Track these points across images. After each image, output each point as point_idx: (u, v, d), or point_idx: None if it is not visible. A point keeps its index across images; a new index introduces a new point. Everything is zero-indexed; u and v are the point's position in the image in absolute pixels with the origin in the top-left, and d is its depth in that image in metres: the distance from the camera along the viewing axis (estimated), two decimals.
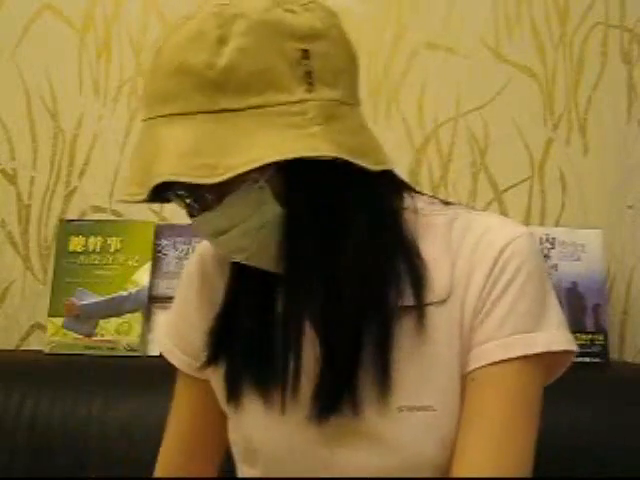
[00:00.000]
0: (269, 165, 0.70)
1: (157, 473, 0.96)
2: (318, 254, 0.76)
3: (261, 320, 0.82)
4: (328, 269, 0.76)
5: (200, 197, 0.75)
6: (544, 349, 0.79)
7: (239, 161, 0.69)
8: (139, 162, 0.73)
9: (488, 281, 0.79)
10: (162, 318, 0.96)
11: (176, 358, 0.94)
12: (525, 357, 0.78)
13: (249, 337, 0.83)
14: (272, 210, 0.74)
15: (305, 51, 0.72)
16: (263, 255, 0.77)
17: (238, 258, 0.78)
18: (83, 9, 1.61)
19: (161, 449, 0.97)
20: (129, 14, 1.61)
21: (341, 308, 0.76)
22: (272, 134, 0.70)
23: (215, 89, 0.70)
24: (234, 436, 0.89)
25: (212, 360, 0.85)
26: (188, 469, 0.96)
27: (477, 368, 0.78)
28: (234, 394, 0.85)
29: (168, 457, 0.97)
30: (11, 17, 1.61)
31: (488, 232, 0.81)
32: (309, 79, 0.72)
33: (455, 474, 0.77)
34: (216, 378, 0.89)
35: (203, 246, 0.94)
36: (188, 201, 0.76)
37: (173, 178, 0.69)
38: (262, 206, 0.74)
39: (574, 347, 0.82)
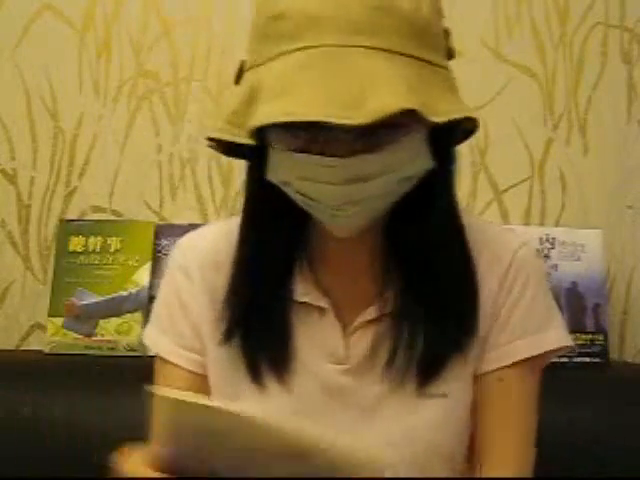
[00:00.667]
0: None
1: None
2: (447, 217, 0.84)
3: (276, 300, 0.84)
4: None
5: (359, 138, 0.72)
6: (559, 345, 0.87)
7: (448, 108, 0.72)
8: (343, 87, 0.69)
9: (503, 286, 0.86)
10: (150, 322, 0.93)
11: (178, 356, 0.91)
12: (540, 354, 0.85)
13: (263, 317, 0.84)
14: (423, 164, 0.77)
15: (446, 30, 0.78)
16: (374, 211, 0.78)
17: (351, 210, 0.76)
18: (83, 9, 1.61)
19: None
20: (129, 14, 1.61)
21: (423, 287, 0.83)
22: (454, 94, 0.76)
23: (417, 37, 0.73)
24: None
25: (228, 336, 0.85)
26: None
27: (503, 367, 0.85)
28: (255, 376, 0.85)
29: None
30: (11, 17, 1.61)
31: (494, 241, 0.88)
32: (449, 55, 0.79)
33: (490, 471, 0.81)
34: (220, 365, 0.88)
35: (191, 240, 0.93)
36: (341, 138, 0.72)
37: (402, 107, 0.68)
38: (416, 158, 0.76)
39: (569, 342, 0.89)
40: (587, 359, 1.41)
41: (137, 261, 1.50)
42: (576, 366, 1.37)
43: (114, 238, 1.52)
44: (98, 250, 1.51)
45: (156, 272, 1.50)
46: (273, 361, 0.84)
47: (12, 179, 1.60)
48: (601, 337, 1.44)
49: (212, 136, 0.78)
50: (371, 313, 0.85)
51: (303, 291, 0.85)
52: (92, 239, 1.52)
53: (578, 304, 1.45)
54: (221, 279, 0.87)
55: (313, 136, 0.73)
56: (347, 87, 0.69)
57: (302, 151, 0.74)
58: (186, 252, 0.92)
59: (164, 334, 0.91)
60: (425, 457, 0.82)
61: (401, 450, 0.81)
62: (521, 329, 0.85)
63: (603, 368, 1.42)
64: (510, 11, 1.60)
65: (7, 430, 1.29)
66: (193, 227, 1.51)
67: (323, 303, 0.85)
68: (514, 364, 0.85)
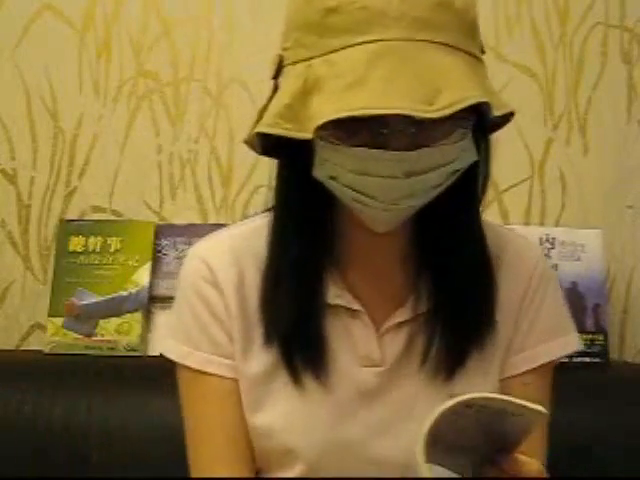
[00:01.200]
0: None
1: None
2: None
3: (310, 302, 0.84)
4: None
5: (419, 132, 0.74)
6: (576, 348, 0.92)
7: (499, 102, 0.75)
8: (416, 80, 0.70)
9: (527, 295, 0.89)
10: (172, 337, 0.91)
11: (217, 366, 0.89)
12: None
13: (299, 320, 0.84)
14: (469, 157, 0.78)
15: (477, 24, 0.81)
16: (420, 206, 0.79)
17: (407, 203, 0.77)
18: (83, 9, 1.61)
19: (205, 465, 0.89)
20: (129, 14, 1.61)
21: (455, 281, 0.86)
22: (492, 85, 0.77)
23: (469, 33, 0.76)
24: (269, 439, 0.87)
25: (267, 339, 0.85)
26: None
27: (527, 371, 0.89)
28: (294, 377, 0.85)
29: (227, 466, 0.88)
30: (11, 17, 1.61)
31: (513, 247, 0.91)
32: (482, 51, 0.80)
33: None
34: (256, 369, 0.87)
35: (210, 250, 0.91)
36: (399, 129, 0.73)
37: (478, 100, 0.71)
38: (464, 152, 0.77)
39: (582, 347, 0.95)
40: (587, 359, 1.41)
41: (137, 261, 1.49)
42: (576, 366, 1.37)
43: (114, 238, 1.51)
44: (98, 250, 1.51)
45: (156, 272, 1.50)
46: (311, 363, 0.84)
47: (12, 179, 1.60)
48: (601, 337, 1.44)
49: (264, 131, 0.74)
50: (405, 314, 0.86)
51: (335, 293, 0.86)
52: (92, 239, 1.52)
53: (578, 304, 1.44)
54: (247, 284, 0.87)
55: (374, 130, 0.73)
56: (419, 81, 0.69)
57: (361, 145, 0.74)
58: (209, 262, 0.89)
59: (196, 347, 0.89)
60: None
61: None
62: (544, 334, 0.89)
63: (603, 368, 1.42)
64: (510, 11, 1.60)
65: (7, 430, 1.29)
66: (193, 227, 1.53)
67: (356, 305, 0.86)
68: (537, 368, 0.88)
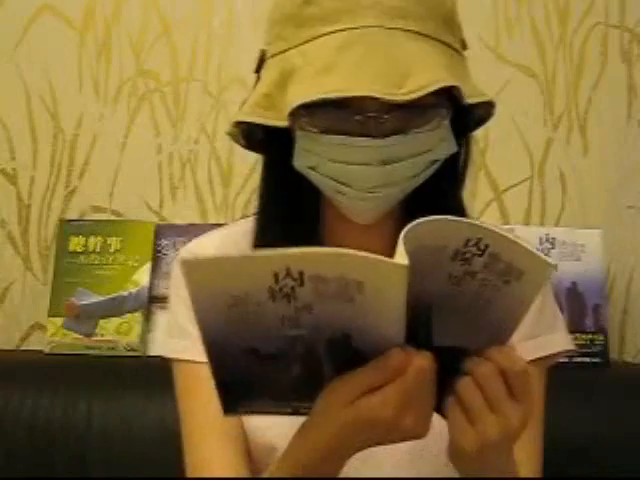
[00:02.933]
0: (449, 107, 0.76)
1: None
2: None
3: None
4: None
5: (393, 120, 0.74)
6: (565, 348, 0.90)
7: (474, 92, 0.76)
8: (386, 65, 0.71)
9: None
10: (168, 335, 0.91)
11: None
12: (547, 356, 0.89)
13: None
14: (448, 148, 0.79)
15: (459, 24, 0.81)
16: (400, 194, 0.79)
17: (383, 192, 0.77)
18: (83, 9, 1.61)
19: (204, 459, 0.87)
20: (129, 14, 1.61)
21: None
22: (472, 81, 0.78)
23: (445, 24, 0.77)
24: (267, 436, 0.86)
25: None
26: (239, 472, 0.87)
27: None
28: None
29: (225, 464, 0.86)
30: (11, 17, 1.61)
31: None
32: (464, 45, 0.82)
33: None
34: None
35: (198, 247, 0.92)
36: (369, 116, 0.74)
37: (447, 84, 0.72)
38: (442, 142, 0.78)
39: (573, 346, 0.93)
40: (587, 359, 1.41)
41: (137, 261, 1.49)
42: (576, 366, 1.37)
43: (114, 238, 1.51)
44: (98, 250, 1.51)
45: (156, 272, 1.50)
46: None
47: (12, 179, 1.60)
48: (601, 337, 1.44)
49: (241, 119, 0.78)
50: None
51: None
52: (92, 239, 1.52)
53: (578, 304, 1.44)
54: None
55: (348, 117, 0.74)
56: (390, 66, 0.71)
57: (335, 133, 0.75)
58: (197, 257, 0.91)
59: (190, 339, 0.88)
60: (437, 447, 0.82)
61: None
62: (531, 330, 0.87)
63: (603, 368, 1.42)
64: (510, 11, 1.60)
65: (7, 430, 1.29)
66: (193, 227, 1.53)
67: None
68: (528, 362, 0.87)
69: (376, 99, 0.71)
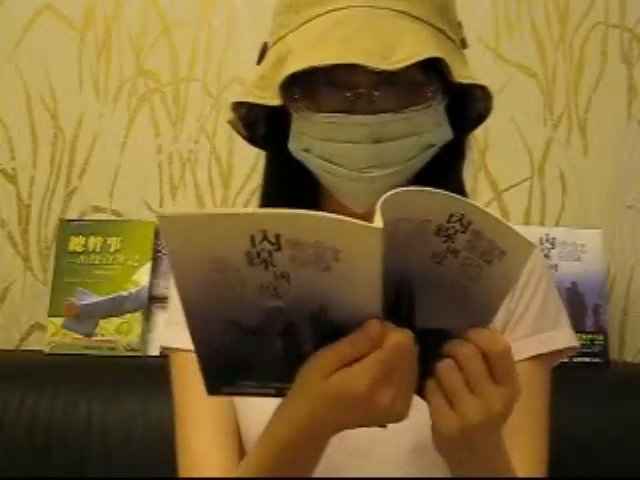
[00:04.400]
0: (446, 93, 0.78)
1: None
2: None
3: None
4: None
5: (384, 97, 0.75)
6: (568, 344, 0.89)
7: (468, 74, 0.77)
8: (374, 38, 0.73)
9: (517, 286, 0.88)
10: (172, 320, 0.90)
11: None
12: (550, 353, 0.88)
13: None
14: (444, 133, 0.79)
15: (459, 22, 0.83)
16: (394, 178, 0.78)
17: (375, 172, 0.77)
18: (83, 9, 1.61)
19: (192, 452, 0.86)
20: (129, 14, 1.61)
21: None
22: (470, 69, 0.80)
23: (438, 10, 0.78)
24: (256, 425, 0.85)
25: None
26: (230, 469, 0.85)
27: (519, 362, 0.83)
28: None
29: (217, 460, 0.85)
30: (11, 17, 1.61)
31: None
32: (464, 44, 0.83)
33: None
34: None
35: None
36: (361, 92, 0.75)
37: (432, 54, 0.73)
38: (438, 127, 0.78)
39: (577, 343, 0.92)
40: (587, 359, 1.41)
41: (137, 261, 1.49)
42: (576, 366, 1.37)
43: (114, 238, 1.51)
44: (98, 250, 1.51)
45: (156, 272, 1.50)
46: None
47: (12, 179, 1.60)
48: (601, 337, 1.44)
49: (238, 99, 0.79)
50: None
51: None
52: (92, 239, 1.52)
53: (578, 304, 1.44)
54: None
55: (340, 94, 0.75)
56: (378, 40, 0.72)
57: (328, 112, 0.76)
58: None
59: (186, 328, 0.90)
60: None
61: (421, 434, 0.81)
62: (534, 326, 0.88)
63: (603, 368, 1.42)
64: (510, 11, 1.60)
65: (7, 430, 1.29)
66: None
67: None
68: (527, 360, 0.86)
69: (366, 74, 0.72)
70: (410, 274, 0.63)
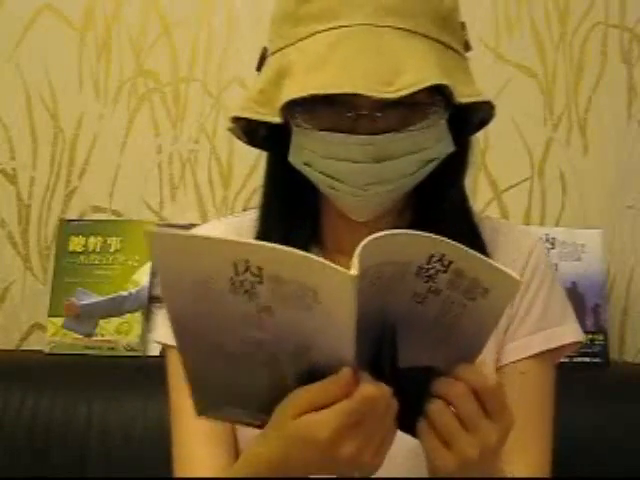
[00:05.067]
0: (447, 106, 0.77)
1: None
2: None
3: None
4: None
5: (386, 117, 0.75)
6: (575, 339, 0.88)
7: (471, 92, 0.76)
8: (376, 61, 0.72)
9: (524, 278, 0.87)
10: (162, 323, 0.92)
11: None
12: (557, 348, 0.87)
13: None
14: (445, 147, 0.79)
15: (462, 23, 0.83)
16: (396, 192, 0.79)
17: (376, 189, 0.77)
18: (83, 9, 1.61)
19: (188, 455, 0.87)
20: (129, 14, 1.61)
21: None
22: (472, 81, 0.79)
23: (441, 23, 0.77)
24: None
25: None
26: (224, 469, 0.85)
27: (523, 359, 0.86)
28: None
29: (210, 459, 0.86)
30: (11, 17, 1.61)
31: (509, 238, 0.90)
32: (466, 47, 0.82)
33: (510, 464, 0.80)
34: None
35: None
36: (363, 114, 0.74)
37: (436, 82, 0.72)
38: (439, 142, 0.78)
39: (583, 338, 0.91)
40: (587, 359, 1.41)
41: (137, 261, 1.49)
42: (576, 366, 1.37)
43: (114, 238, 1.51)
44: (98, 250, 1.51)
45: (156, 272, 1.50)
46: None
47: (12, 179, 1.60)
48: (601, 337, 1.44)
49: (237, 115, 0.79)
50: None
51: None
52: (92, 239, 1.52)
53: (578, 304, 1.44)
54: None
55: (341, 114, 0.75)
56: (379, 63, 0.71)
57: (329, 130, 0.75)
58: None
59: None
60: None
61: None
62: (540, 322, 0.87)
63: (603, 368, 1.42)
64: (510, 11, 1.60)
65: (7, 430, 1.29)
66: (193, 227, 1.52)
67: None
68: (534, 356, 0.86)
69: (367, 96, 0.71)
70: (392, 315, 0.63)
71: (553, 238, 1.48)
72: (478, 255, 0.61)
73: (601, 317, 1.45)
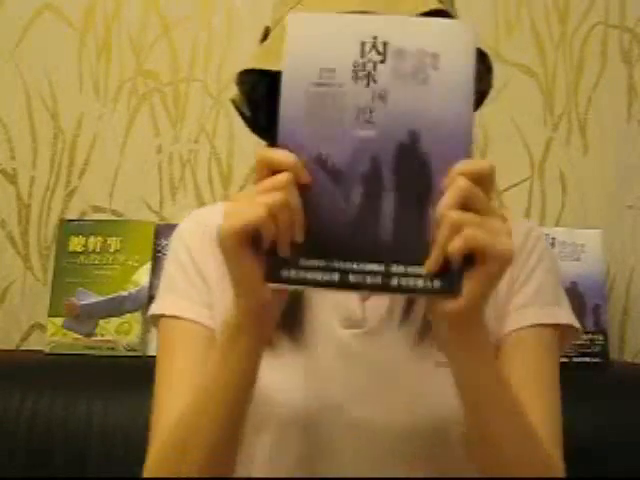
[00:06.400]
0: None
1: None
2: None
3: None
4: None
5: None
6: (568, 321, 0.89)
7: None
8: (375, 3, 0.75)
9: (522, 253, 0.88)
10: (160, 294, 0.90)
11: (195, 312, 0.88)
12: (553, 326, 0.88)
13: None
14: None
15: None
16: None
17: None
18: (83, 9, 1.61)
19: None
20: (129, 14, 1.61)
21: None
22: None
23: None
24: None
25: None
26: None
27: (522, 328, 0.86)
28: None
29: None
30: (11, 17, 1.61)
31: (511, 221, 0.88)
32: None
33: None
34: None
35: (200, 213, 0.95)
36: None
37: (435, 7, 0.77)
38: None
39: (579, 326, 0.92)
40: (587, 359, 1.41)
41: (137, 261, 1.50)
42: (576, 366, 1.37)
43: (114, 238, 1.51)
44: (98, 250, 1.51)
45: (156, 272, 1.49)
46: (285, 319, 0.79)
47: (12, 179, 1.60)
48: (601, 337, 1.44)
49: (247, 67, 0.81)
50: None
51: None
52: (92, 239, 1.52)
53: (578, 304, 1.44)
54: None
55: None
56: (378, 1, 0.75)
57: None
58: (198, 219, 0.93)
59: (178, 295, 0.89)
60: (443, 422, 0.82)
61: (420, 414, 0.81)
62: (535, 297, 0.88)
63: (603, 368, 1.42)
64: (510, 11, 1.60)
65: (7, 430, 1.29)
66: None
67: None
68: (533, 327, 0.86)
69: None
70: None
71: (553, 238, 1.48)
72: (414, 17, 0.67)
73: (601, 317, 1.45)
